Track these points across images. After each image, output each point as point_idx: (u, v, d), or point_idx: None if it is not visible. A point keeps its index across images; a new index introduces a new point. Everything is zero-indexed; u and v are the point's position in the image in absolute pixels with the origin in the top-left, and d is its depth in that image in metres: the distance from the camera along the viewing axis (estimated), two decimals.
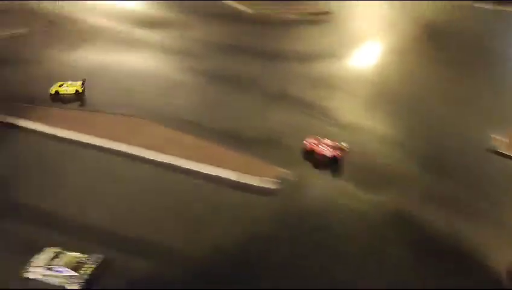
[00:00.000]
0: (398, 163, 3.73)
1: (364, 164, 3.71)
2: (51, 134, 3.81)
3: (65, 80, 5.21)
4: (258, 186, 3.46)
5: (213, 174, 3.60)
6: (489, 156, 3.85)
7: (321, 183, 4.28)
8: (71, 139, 3.81)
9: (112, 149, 3.78)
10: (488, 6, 8.26)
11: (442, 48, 5.76)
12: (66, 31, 5.85)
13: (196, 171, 3.58)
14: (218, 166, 3.82)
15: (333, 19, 7.05)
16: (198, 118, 4.10)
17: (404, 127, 4.12)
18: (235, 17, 6.68)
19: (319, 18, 7.05)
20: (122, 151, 3.84)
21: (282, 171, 3.48)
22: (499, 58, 5.93)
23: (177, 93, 4.52)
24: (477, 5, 8.27)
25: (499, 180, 4.14)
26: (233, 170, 3.74)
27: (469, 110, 4.44)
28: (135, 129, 4.07)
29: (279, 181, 3.40)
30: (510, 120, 4.33)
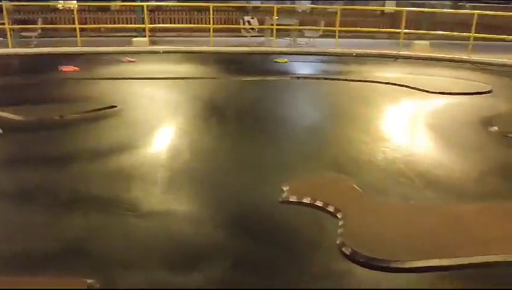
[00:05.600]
0: (205, 237, 3.66)
1: (169, 247, 3.50)
2: None
3: None
4: None
5: None
6: (285, 207, 4.17)
7: None
8: None
9: None
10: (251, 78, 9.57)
11: (223, 122, 6.19)
12: None
13: None
14: None
15: (120, 112, 6.92)
16: None
17: (208, 203, 4.14)
18: (6, 127, 5.90)
19: (105, 113, 6.86)
20: None
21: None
22: (273, 119, 6.65)
23: None
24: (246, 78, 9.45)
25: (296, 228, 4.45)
26: None
27: (259, 171, 4.80)
28: None
29: None
30: (295, 172, 4.84)
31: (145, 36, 13.61)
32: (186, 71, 10.41)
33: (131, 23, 16.17)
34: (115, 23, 17.01)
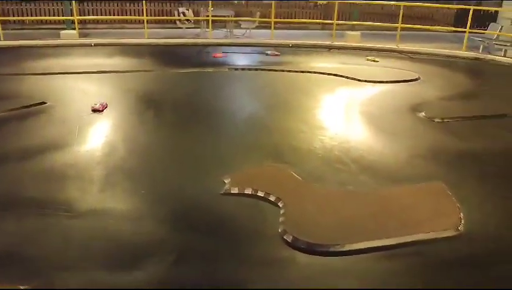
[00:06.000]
0: (147, 235, 3.59)
1: (110, 246, 3.39)
2: None
3: None
4: None
5: None
6: (226, 199, 4.18)
7: None
8: None
9: None
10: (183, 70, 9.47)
11: (160, 115, 6.06)
12: None
13: None
14: None
15: (51, 108, 6.54)
16: None
17: (148, 199, 4.05)
18: None
19: (34, 110, 6.46)
20: None
21: None
22: (211, 111, 6.59)
23: None
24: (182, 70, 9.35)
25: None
26: None
27: (198, 164, 4.76)
28: None
29: None
30: (235, 163, 4.84)
31: (74, 28, 13.01)
32: (120, 64, 10.10)
33: (58, 15, 15.40)
34: (40, 15, 16.12)
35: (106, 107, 6.82)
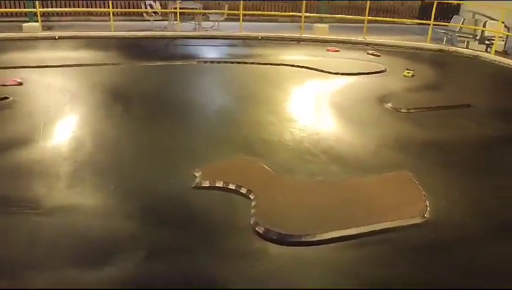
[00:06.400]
0: (117, 231, 3.55)
1: (79, 243, 3.29)
2: None
3: None
4: None
5: None
6: (198, 193, 4.17)
7: None
8: None
9: None
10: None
11: (129, 109, 6.02)
12: None
13: None
14: None
15: (14, 103, 6.37)
16: None
17: (118, 194, 3.98)
18: None
19: None
20: None
21: None
22: (181, 105, 6.56)
23: None
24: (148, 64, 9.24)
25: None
26: None
27: (169, 158, 4.73)
28: None
29: None
30: (206, 156, 4.84)
31: (37, 21, 12.62)
32: (85, 58, 9.87)
33: (20, 7, 14.90)
34: (1, 7, 15.53)
35: (19, 83, 7.27)
